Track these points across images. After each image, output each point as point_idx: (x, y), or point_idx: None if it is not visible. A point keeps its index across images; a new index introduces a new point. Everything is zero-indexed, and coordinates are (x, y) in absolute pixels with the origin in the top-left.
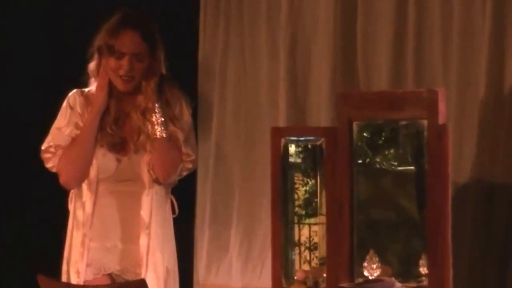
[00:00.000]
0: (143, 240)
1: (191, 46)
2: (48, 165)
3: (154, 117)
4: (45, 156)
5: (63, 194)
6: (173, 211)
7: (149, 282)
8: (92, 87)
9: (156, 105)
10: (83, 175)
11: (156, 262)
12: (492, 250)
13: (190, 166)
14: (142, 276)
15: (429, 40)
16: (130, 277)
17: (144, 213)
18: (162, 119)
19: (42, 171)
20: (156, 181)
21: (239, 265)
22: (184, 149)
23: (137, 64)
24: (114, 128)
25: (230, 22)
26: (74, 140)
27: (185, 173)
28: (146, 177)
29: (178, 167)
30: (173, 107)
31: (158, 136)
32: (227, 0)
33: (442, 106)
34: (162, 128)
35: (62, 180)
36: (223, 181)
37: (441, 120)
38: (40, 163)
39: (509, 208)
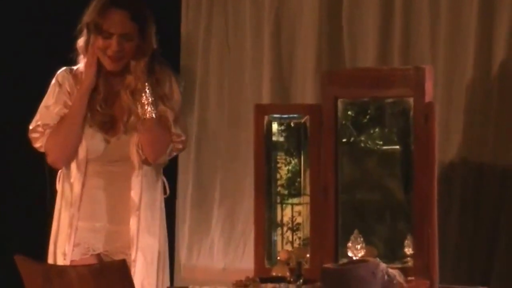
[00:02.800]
0: (133, 222)
1: (173, 20)
2: (36, 144)
3: (144, 97)
4: (33, 135)
5: (52, 173)
6: (164, 192)
7: (138, 264)
8: (81, 64)
9: (146, 84)
10: (72, 154)
11: (146, 244)
12: (480, 232)
13: (180, 146)
14: (132, 258)
15: (416, 17)
16: (119, 257)
17: (134, 194)
18: (152, 99)
19: (29, 150)
20: (145, 161)
21: (221, 246)
22: (174, 130)
23: (126, 44)
24: (103, 107)
25: None
26: (62, 119)
27: (175, 154)
28: (135, 158)
29: (167, 147)
30: (163, 85)
31: (148, 117)
32: None
33: (429, 84)
34: (152, 108)
35: (50, 159)
36: (205, 159)
37: (428, 98)
38: (27, 141)
39: (498, 189)
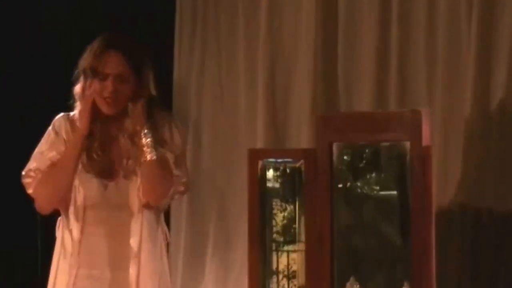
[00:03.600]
0: (132, 269)
1: (166, 65)
2: (29, 191)
3: (142, 140)
4: (26, 181)
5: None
6: (165, 238)
7: None
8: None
9: (145, 127)
10: (59, 201)
11: None
12: (479, 278)
13: (182, 189)
14: None
15: (413, 59)
16: None
17: (133, 241)
18: (151, 142)
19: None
20: (146, 206)
21: None
22: (175, 172)
23: (122, 86)
24: (100, 154)
25: (207, 41)
26: (53, 164)
27: (177, 197)
28: (134, 203)
29: (169, 190)
30: (162, 129)
31: (148, 159)
32: (203, 18)
33: (426, 128)
34: (152, 151)
35: (37, 204)
36: (198, 205)
37: (425, 142)
38: (21, 187)
39: (497, 234)
